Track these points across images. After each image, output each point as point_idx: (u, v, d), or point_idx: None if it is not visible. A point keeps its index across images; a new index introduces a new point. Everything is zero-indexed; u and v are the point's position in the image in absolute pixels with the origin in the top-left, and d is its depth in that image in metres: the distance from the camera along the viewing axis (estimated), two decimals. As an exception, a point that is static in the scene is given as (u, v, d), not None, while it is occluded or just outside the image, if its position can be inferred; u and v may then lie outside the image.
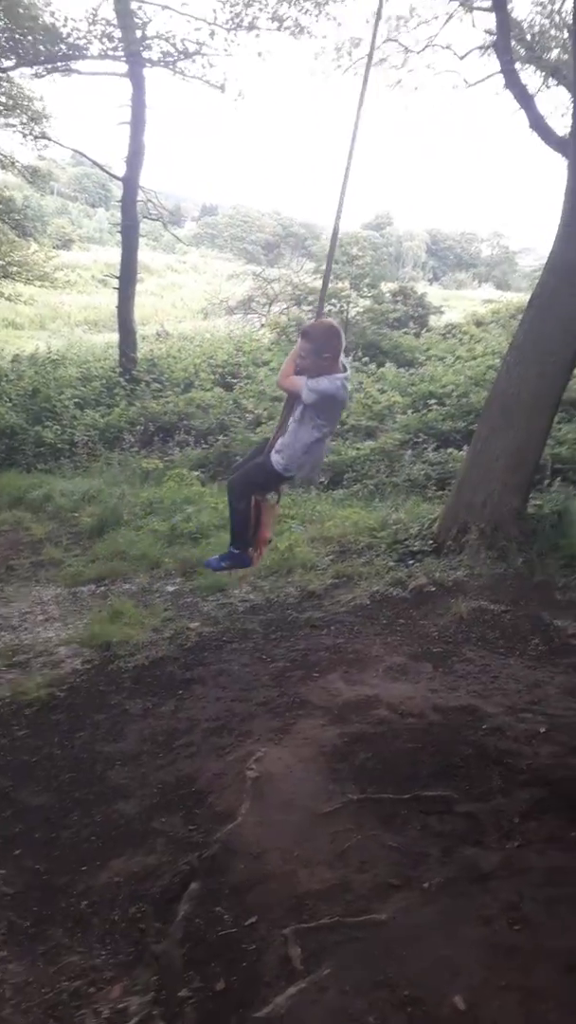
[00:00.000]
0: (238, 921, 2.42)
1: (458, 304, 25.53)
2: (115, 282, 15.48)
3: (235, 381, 13.29)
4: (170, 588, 5.96)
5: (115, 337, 16.12)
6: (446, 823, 2.79)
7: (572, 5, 5.60)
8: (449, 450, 9.11)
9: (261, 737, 3.54)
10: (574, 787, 2.96)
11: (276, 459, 4.04)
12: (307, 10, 12.92)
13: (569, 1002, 2.03)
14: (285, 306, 17.91)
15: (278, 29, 13.43)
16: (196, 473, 9.52)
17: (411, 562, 5.95)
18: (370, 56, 4.04)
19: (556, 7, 9.76)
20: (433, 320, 19.41)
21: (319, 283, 17.59)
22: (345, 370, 3.86)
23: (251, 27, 13.62)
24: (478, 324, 18.36)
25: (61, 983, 2.30)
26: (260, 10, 13.27)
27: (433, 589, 5.41)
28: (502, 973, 2.13)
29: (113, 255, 18.35)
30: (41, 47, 13.73)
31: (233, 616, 5.27)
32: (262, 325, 19.40)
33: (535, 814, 2.79)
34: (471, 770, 3.12)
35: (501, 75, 8.50)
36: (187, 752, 3.54)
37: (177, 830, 2.98)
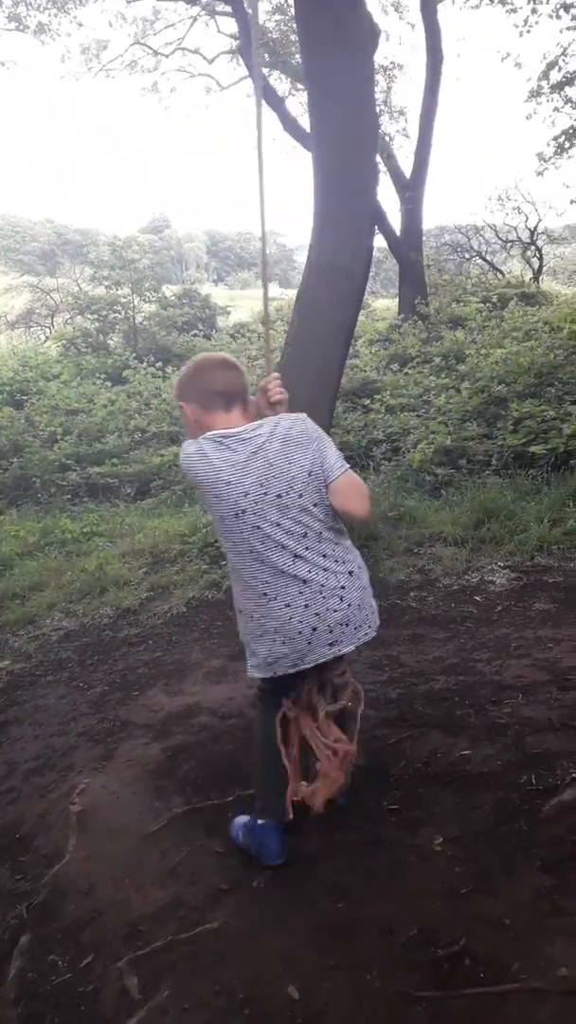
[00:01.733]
0: (73, 964, 2.39)
1: (244, 303, 26.06)
2: None
3: (25, 398, 12.79)
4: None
5: None
6: (269, 818, 2.89)
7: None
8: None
9: (84, 768, 3.48)
10: (382, 758, 3.17)
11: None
12: (45, 8, 12.58)
13: (389, 966, 2.19)
14: (69, 316, 17.42)
15: (18, 29, 12.98)
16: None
17: (223, 563, 6.05)
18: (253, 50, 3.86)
19: (292, 14, 10.21)
20: (221, 321, 19.70)
21: (100, 290, 17.35)
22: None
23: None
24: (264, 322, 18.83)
25: None
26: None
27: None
28: (329, 953, 2.26)
29: None
30: None
31: (46, 647, 5.12)
32: (47, 338, 18.76)
33: (348, 791, 2.97)
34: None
35: (250, 79, 8.78)
36: (8, 799, 3.41)
37: (4, 883, 2.87)
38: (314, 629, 2.32)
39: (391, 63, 15.02)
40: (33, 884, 2.80)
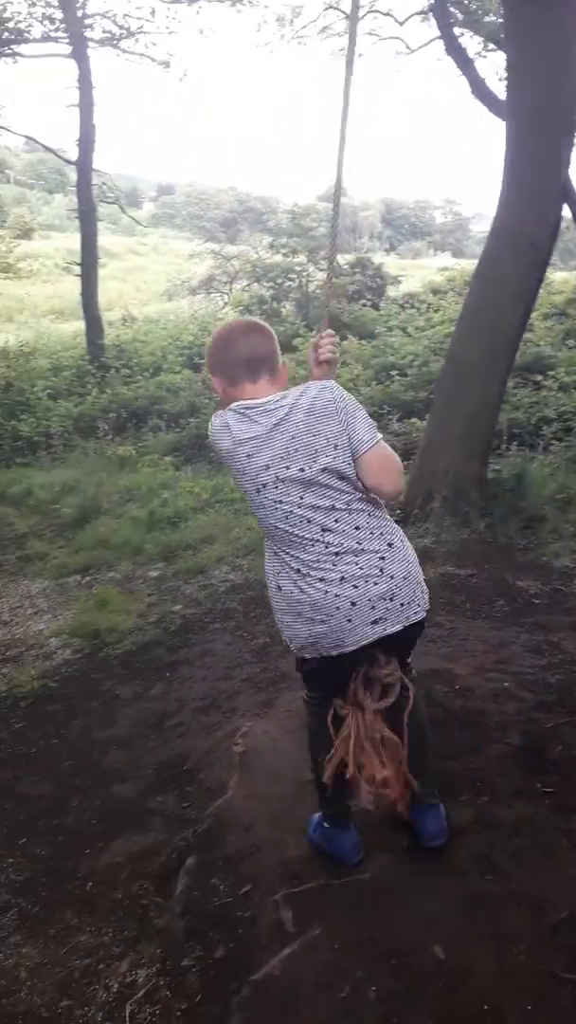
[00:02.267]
0: (233, 891, 2.59)
1: (416, 273, 25.56)
2: (77, 269, 15.38)
3: (202, 362, 13.30)
4: (152, 574, 6.09)
5: (82, 325, 16.06)
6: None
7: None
8: (412, 420, 9.25)
9: (247, 712, 3.71)
10: (538, 741, 3.15)
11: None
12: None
13: (537, 944, 2.22)
14: (246, 283, 17.86)
15: (219, 0, 13.30)
16: (169, 457, 9.62)
17: (385, 532, 6.11)
18: (353, 20, 3.13)
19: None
20: (391, 290, 19.47)
21: (277, 258, 17.63)
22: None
23: (191, 0, 13.48)
24: (435, 292, 18.46)
25: (72, 962, 2.46)
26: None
27: (404, 558, 5.57)
28: (476, 922, 2.32)
29: (73, 241, 18.17)
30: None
31: (214, 597, 5.42)
32: (225, 304, 19.34)
33: (503, 769, 2.98)
34: (442, 731, 3.28)
35: (441, 40, 8.55)
36: (178, 732, 3.70)
37: (172, 808, 3.13)
38: (353, 604, 2.14)
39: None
40: (198, 813, 3.04)
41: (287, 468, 2.13)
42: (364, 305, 16.78)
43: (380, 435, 2.22)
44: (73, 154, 15.14)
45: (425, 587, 2.32)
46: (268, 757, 3.28)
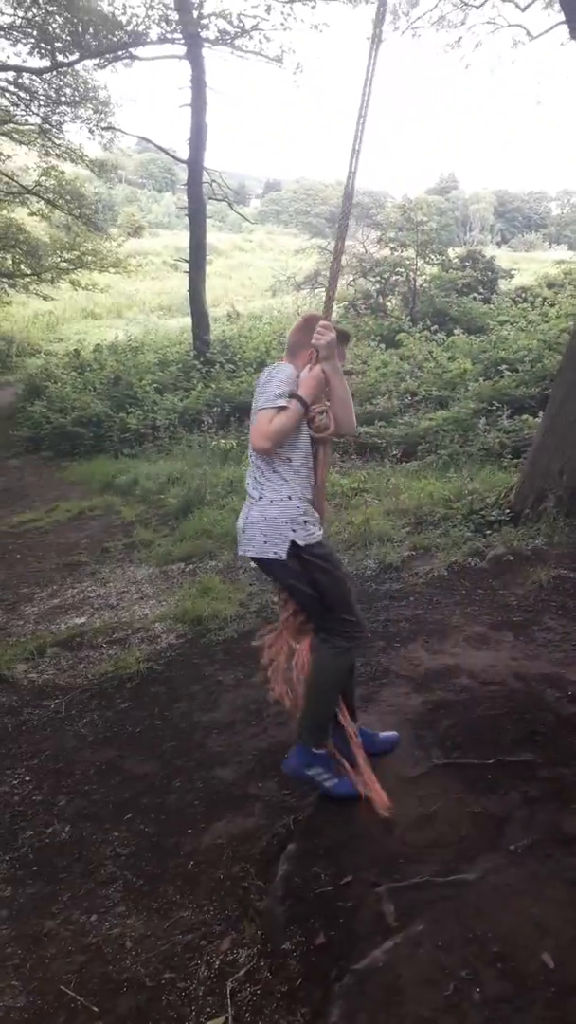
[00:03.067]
0: (334, 880, 2.58)
1: (528, 267, 24.79)
2: (185, 266, 15.72)
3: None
4: (254, 564, 6.14)
5: (188, 321, 16.43)
6: (530, 787, 2.87)
7: None
8: (524, 417, 8.98)
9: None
10: None
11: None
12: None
13: None
14: (352, 278, 17.79)
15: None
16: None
17: (488, 532, 5.97)
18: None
19: None
20: (503, 284, 18.95)
21: (385, 252, 17.47)
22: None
23: (306, -2, 13.52)
24: (550, 286, 17.84)
25: (175, 936, 2.52)
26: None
27: (511, 558, 5.42)
28: (589, 931, 2.23)
29: (181, 239, 18.64)
30: (102, 37, 13.95)
31: (315, 591, 5.42)
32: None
33: (619, 778, 2.86)
34: (553, 736, 3.19)
35: (565, 25, 8.23)
36: (278, 720, 3.72)
37: (272, 795, 3.16)
38: (239, 528, 2.93)
39: None
40: (299, 801, 3.05)
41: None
42: (475, 299, 16.42)
43: (277, 404, 2.71)
44: (184, 153, 15.48)
45: (270, 536, 2.80)
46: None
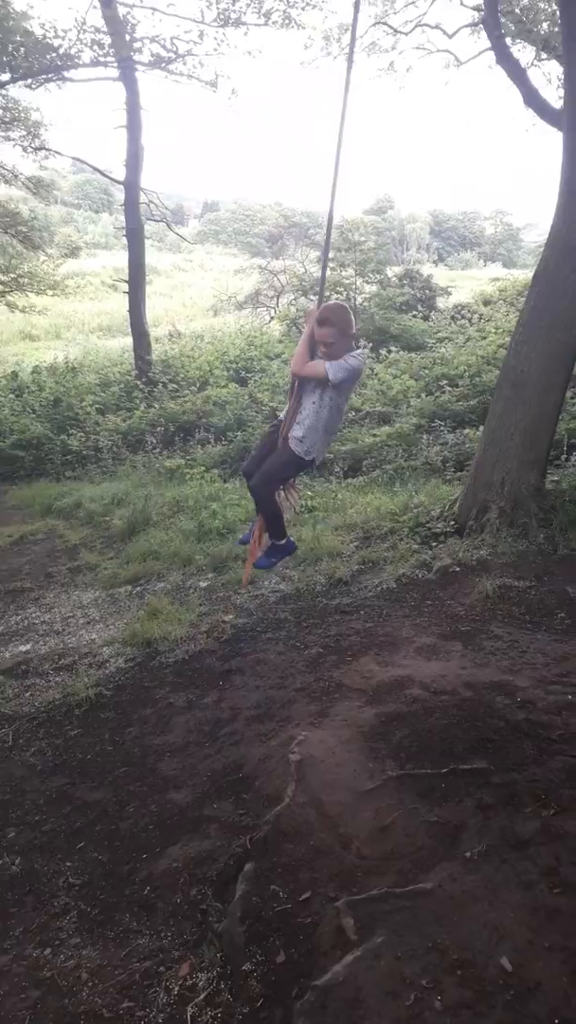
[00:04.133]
0: (293, 897, 2.57)
1: (465, 284, 25.44)
2: (125, 286, 15.66)
3: (249, 376, 13.43)
4: (203, 584, 6.12)
5: (129, 341, 16.36)
6: (483, 794, 2.90)
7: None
8: (465, 431, 9.18)
9: (301, 721, 3.69)
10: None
11: (298, 447, 4.20)
12: (294, 3, 12.99)
13: (609, 956, 2.15)
14: (293, 297, 17.99)
15: (265, 24, 13.50)
16: (217, 470, 9.70)
17: (434, 544, 6.06)
18: (353, 36, 4.17)
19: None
20: (441, 302, 19.40)
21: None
22: (359, 344, 4.07)
23: (238, 23, 13.69)
24: (486, 303, 18.37)
25: (132, 964, 2.47)
26: (247, 5, 13.33)
27: (458, 569, 5.52)
28: (545, 935, 2.25)
29: (120, 259, 18.53)
30: (33, 59, 13.86)
31: (265, 607, 5.42)
32: (272, 318, 19.48)
33: (568, 782, 2.91)
34: (504, 742, 3.24)
35: (492, 51, 8.52)
36: (232, 740, 3.70)
37: (228, 815, 3.13)
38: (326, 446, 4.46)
39: None
40: (255, 820, 3.03)
41: None
42: (415, 316, 16.73)
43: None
44: (120, 174, 15.45)
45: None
46: (325, 765, 3.25)
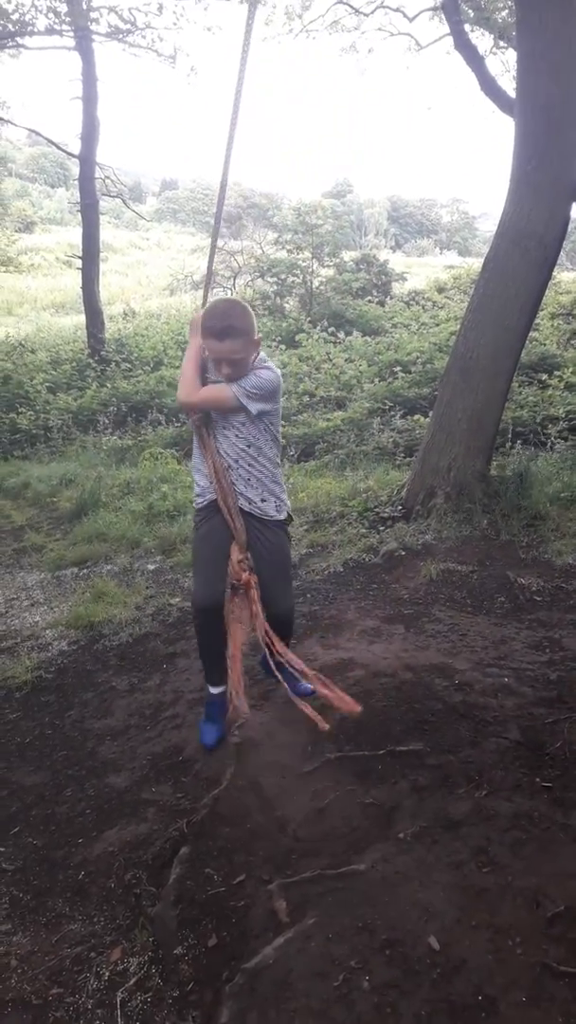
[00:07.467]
0: (227, 880, 2.57)
1: (421, 271, 25.55)
2: (79, 263, 15.35)
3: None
4: (151, 566, 6.07)
5: (82, 319, 16.05)
6: (419, 775, 2.94)
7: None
8: (416, 417, 9.25)
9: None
10: (537, 736, 3.13)
11: (279, 512, 3.31)
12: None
13: (533, 936, 2.19)
14: (250, 278, 17.84)
15: (225, -2, 13.29)
16: (170, 451, 9.60)
17: (382, 528, 6.10)
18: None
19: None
20: (396, 288, 19.45)
21: (282, 254, 17.60)
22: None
23: (198, -3, 13.46)
24: (440, 290, 18.49)
25: (63, 950, 2.44)
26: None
27: (403, 553, 5.56)
28: (472, 913, 2.29)
29: (76, 235, 18.17)
30: (-15, 25, 13.46)
31: (212, 591, 5.38)
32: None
33: (501, 763, 2.96)
34: (441, 724, 3.28)
35: (451, 36, 8.52)
36: (173, 724, 3.68)
37: (167, 799, 3.11)
38: None
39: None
40: (192, 803, 3.01)
41: None
42: (370, 301, 16.75)
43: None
44: (76, 148, 15.11)
45: None
46: (264, 748, 3.26)
